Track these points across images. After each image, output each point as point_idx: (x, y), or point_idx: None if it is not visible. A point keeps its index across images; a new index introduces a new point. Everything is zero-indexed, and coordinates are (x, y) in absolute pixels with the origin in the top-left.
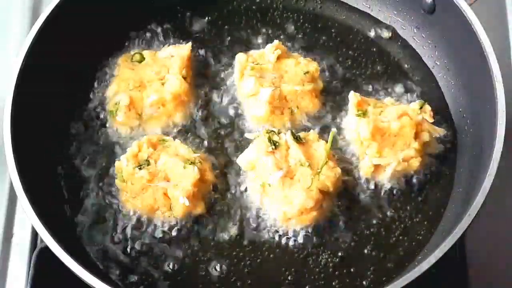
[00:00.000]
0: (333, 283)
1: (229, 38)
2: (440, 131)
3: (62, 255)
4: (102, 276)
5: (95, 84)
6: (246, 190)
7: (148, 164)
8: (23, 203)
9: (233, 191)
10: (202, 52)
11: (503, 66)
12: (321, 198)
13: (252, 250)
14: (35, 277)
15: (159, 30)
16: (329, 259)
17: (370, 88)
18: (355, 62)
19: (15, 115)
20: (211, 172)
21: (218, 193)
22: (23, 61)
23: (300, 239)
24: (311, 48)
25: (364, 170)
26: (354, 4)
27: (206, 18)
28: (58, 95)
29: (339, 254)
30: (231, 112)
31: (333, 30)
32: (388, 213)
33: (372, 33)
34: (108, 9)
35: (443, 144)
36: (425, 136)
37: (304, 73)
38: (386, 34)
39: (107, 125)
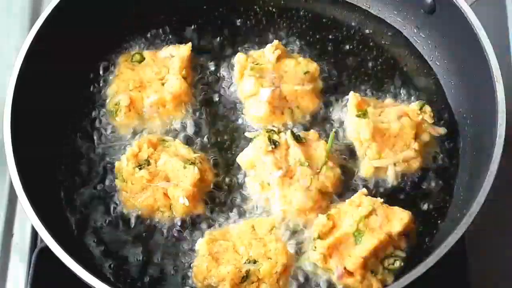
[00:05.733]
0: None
1: (228, 38)
2: (440, 131)
3: (62, 255)
4: (102, 276)
5: (95, 84)
6: (245, 189)
7: (148, 164)
8: (23, 203)
9: (232, 191)
10: (202, 52)
11: (503, 66)
12: (320, 198)
13: None
14: (35, 277)
15: (159, 30)
16: None
17: (369, 88)
18: (354, 62)
19: (15, 115)
20: (211, 172)
21: (218, 193)
22: (23, 61)
23: (299, 238)
24: (310, 48)
25: (364, 171)
26: (354, 3)
27: (206, 19)
28: (58, 95)
29: None
30: (231, 112)
31: (333, 30)
32: None
33: (372, 33)
34: (108, 9)
35: (443, 145)
36: (425, 137)
37: (304, 73)
38: (386, 34)
39: (107, 125)
